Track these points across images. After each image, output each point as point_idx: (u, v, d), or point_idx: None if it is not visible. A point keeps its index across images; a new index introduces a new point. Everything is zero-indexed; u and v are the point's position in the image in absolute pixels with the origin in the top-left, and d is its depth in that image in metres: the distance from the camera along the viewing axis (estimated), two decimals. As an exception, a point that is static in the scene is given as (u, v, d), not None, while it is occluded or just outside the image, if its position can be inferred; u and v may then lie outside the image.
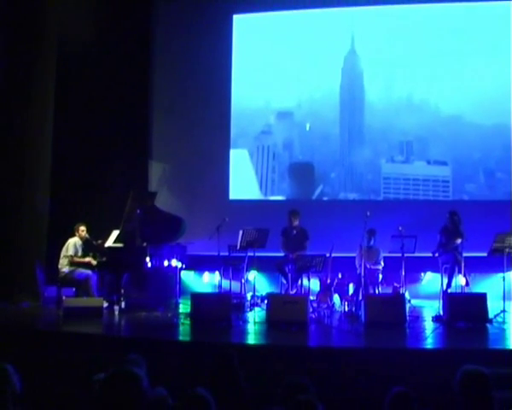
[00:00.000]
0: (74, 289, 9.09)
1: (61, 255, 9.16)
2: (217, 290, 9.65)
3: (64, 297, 8.58)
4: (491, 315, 7.60)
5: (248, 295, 9.23)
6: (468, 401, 3.40)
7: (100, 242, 9.12)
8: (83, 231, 9.26)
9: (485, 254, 8.34)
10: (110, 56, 10.81)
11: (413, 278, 9.61)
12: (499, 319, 7.69)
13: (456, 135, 10.66)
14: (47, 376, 5.73)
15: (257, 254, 8.93)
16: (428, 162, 10.73)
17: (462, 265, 8.50)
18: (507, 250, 8.05)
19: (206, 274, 10.68)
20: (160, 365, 5.44)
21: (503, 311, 7.79)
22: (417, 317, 8.19)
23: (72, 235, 9.30)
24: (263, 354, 6.57)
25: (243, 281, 9.43)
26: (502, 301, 7.90)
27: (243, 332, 7.59)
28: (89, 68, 10.72)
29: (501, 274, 8.15)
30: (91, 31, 10.51)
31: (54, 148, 10.44)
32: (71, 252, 9.12)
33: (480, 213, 9.80)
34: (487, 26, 10.54)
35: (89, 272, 9.06)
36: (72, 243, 9.20)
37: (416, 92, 10.77)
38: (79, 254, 9.25)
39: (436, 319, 7.91)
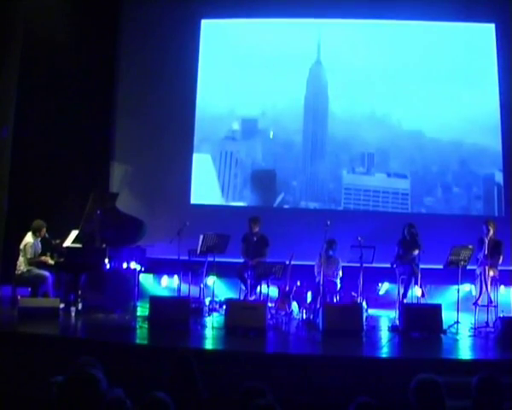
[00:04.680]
0: (30, 288, 8.86)
1: (20, 253, 8.91)
2: (175, 294, 9.61)
3: (19, 297, 8.39)
4: (445, 326, 7.79)
5: (207, 300, 9.22)
6: (422, 408, 3.47)
7: (58, 241, 8.95)
8: (44, 232, 9.05)
9: (441, 267, 8.51)
10: (75, 56, 10.67)
11: (370, 287, 9.74)
12: (453, 330, 7.88)
13: (416, 150, 10.91)
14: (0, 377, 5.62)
15: (217, 259, 8.89)
16: (389, 175, 10.93)
17: (419, 276, 8.69)
18: (462, 263, 8.25)
19: (165, 278, 10.62)
20: (117, 368, 5.38)
21: (457, 322, 7.98)
22: (374, 326, 8.32)
23: (33, 233, 8.95)
24: (220, 359, 6.57)
25: (202, 286, 9.43)
26: (456, 313, 8.09)
27: (201, 337, 7.58)
28: (53, 67, 10.56)
29: (455, 286, 8.34)
30: (57, 30, 10.37)
31: (14, 145, 10.26)
32: (29, 255, 8.81)
33: (437, 227, 10.02)
34: (451, 47, 10.88)
35: (45, 272, 8.86)
36: (30, 245, 8.87)
37: (379, 106, 10.97)
38: (39, 252, 9.01)
39: (392, 328, 8.05)
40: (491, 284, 8.56)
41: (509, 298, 9.35)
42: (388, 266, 9.11)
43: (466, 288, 9.34)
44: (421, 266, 8.79)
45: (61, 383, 2.81)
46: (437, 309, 7.86)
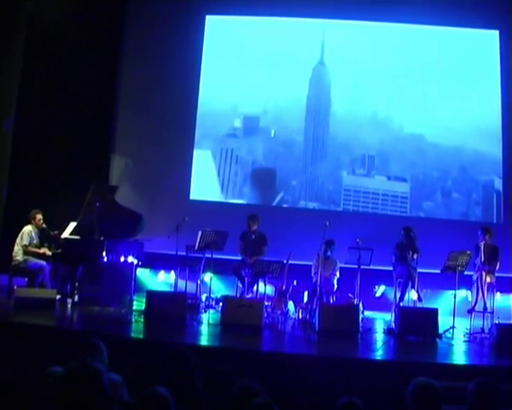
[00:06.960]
0: (27, 279, 8.85)
1: (16, 243, 8.94)
2: (172, 290, 9.60)
3: (16, 287, 8.40)
4: (441, 330, 7.79)
5: (203, 297, 9.21)
6: (419, 411, 3.48)
7: (56, 232, 8.95)
8: (40, 220, 9.04)
9: (438, 271, 8.52)
10: (79, 47, 10.66)
11: (367, 289, 9.73)
12: (448, 335, 7.89)
13: (417, 154, 10.90)
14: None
15: (214, 256, 8.87)
16: (388, 178, 10.92)
17: (416, 280, 8.69)
18: (459, 268, 8.26)
19: (162, 273, 10.60)
20: (112, 361, 5.37)
21: (453, 327, 7.98)
22: (370, 328, 8.32)
23: (28, 223, 9.05)
24: (216, 356, 6.57)
25: (199, 282, 9.41)
26: (452, 318, 8.09)
27: (197, 333, 7.59)
28: (56, 58, 10.55)
29: (452, 291, 8.34)
30: (60, 21, 10.36)
31: (15, 136, 10.25)
32: (25, 241, 8.89)
33: (435, 231, 10.02)
34: (455, 52, 10.88)
35: (42, 262, 8.86)
36: (27, 232, 8.96)
37: (381, 108, 10.97)
38: (35, 242, 9.02)
39: (388, 331, 8.07)
40: (488, 291, 8.57)
41: (504, 305, 9.34)
42: (386, 268, 9.12)
43: (462, 293, 9.34)
44: (419, 269, 8.79)
45: (60, 375, 2.78)
46: (433, 313, 7.88)
